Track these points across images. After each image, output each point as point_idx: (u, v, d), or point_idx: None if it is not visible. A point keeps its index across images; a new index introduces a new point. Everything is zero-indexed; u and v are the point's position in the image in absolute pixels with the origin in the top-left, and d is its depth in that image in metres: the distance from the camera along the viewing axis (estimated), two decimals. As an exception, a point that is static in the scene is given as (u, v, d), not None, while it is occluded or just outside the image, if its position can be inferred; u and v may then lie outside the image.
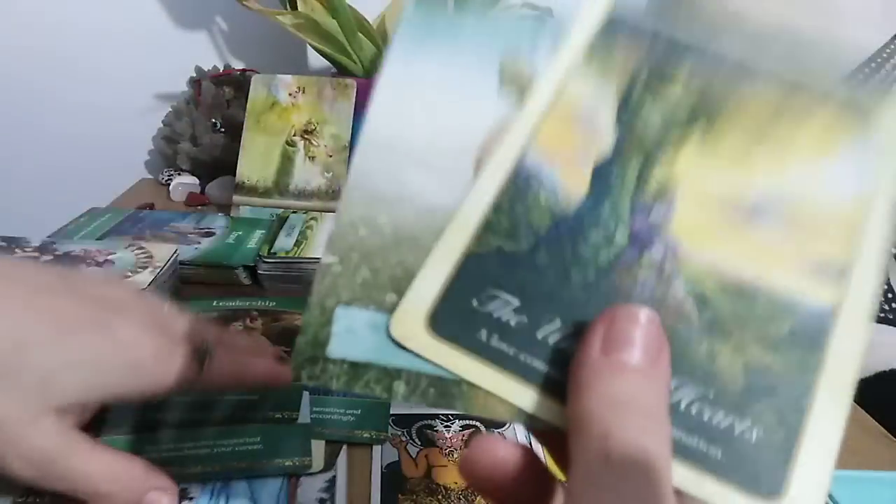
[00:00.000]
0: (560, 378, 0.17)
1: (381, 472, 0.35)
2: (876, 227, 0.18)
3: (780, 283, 0.18)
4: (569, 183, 0.19)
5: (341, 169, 0.73)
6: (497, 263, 0.18)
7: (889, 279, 0.82)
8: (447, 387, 0.17)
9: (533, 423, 0.17)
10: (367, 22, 0.70)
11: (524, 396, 0.17)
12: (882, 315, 0.80)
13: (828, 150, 0.19)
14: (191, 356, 0.30)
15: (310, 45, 0.70)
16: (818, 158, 0.19)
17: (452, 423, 0.39)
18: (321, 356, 0.18)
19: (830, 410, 0.17)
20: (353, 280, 0.18)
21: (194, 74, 0.84)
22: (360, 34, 0.69)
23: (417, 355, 0.17)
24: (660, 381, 0.16)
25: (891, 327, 0.74)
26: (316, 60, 0.87)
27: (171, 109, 0.86)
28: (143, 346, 0.28)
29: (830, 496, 0.29)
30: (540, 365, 0.17)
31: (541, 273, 0.18)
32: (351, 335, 0.18)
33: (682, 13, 0.21)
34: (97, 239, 0.59)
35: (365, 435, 0.38)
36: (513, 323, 0.18)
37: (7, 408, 0.25)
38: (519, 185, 0.19)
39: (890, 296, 0.82)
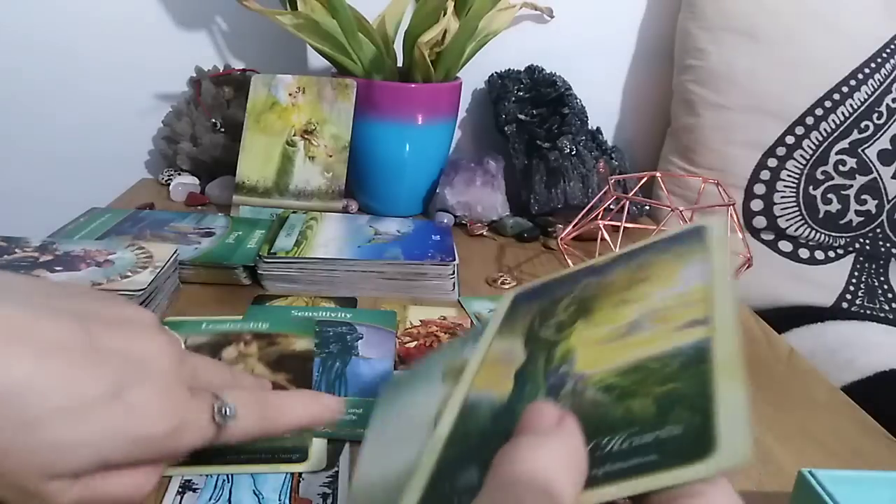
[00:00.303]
0: None
1: (381, 472, 0.35)
2: (721, 291, 0.24)
3: (662, 347, 0.23)
4: (500, 391, 0.27)
5: (341, 169, 0.73)
6: (461, 457, 0.24)
7: (889, 279, 0.82)
8: None
9: None
10: (367, 22, 0.70)
11: None
12: (882, 315, 0.81)
13: (673, 279, 0.26)
14: (209, 420, 0.29)
15: (310, 45, 0.70)
16: (667, 287, 0.26)
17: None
18: None
19: (730, 382, 0.20)
20: None
21: (194, 74, 0.84)
22: (360, 34, 0.69)
23: None
24: (565, 436, 0.20)
25: (891, 327, 0.74)
26: (316, 60, 0.87)
27: (171, 109, 0.86)
28: (156, 421, 0.27)
29: (830, 496, 0.29)
30: None
31: (490, 444, 0.23)
32: None
33: (550, 287, 0.32)
34: (97, 239, 0.59)
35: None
36: (476, 483, 0.22)
37: (13, 476, 0.24)
38: (466, 412, 0.27)
39: (890, 296, 0.82)
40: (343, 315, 0.51)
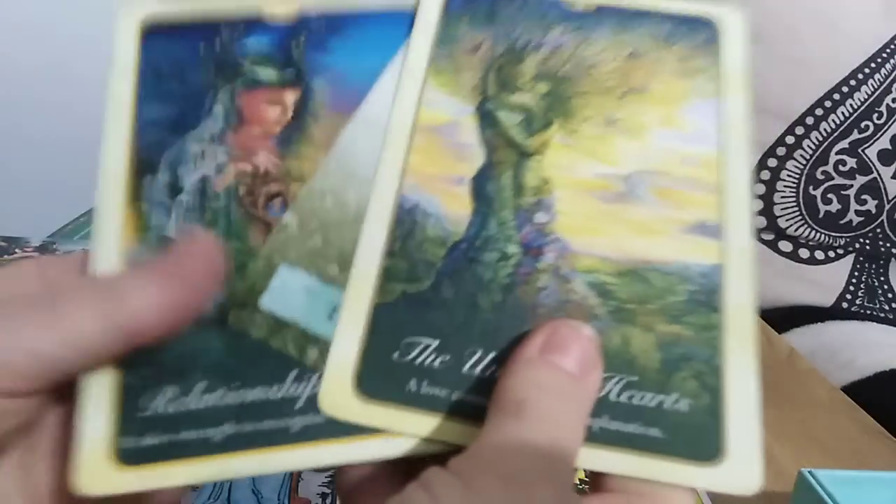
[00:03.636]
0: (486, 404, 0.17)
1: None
2: (735, 183, 0.19)
3: (666, 254, 0.19)
4: (451, 208, 0.20)
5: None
6: (406, 309, 0.19)
7: (889, 279, 0.82)
8: None
9: (447, 447, 0.18)
10: (367, 22, 0.69)
11: (454, 431, 0.18)
12: (882, 315, 0.81)
13: (676, 109, 0.20)
14: None
15: (310, 45, 0.70)
16: (668, 124, 0.20)
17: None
18: (252, 304, 0.19)
19: (742, 362, 0.17)
20: (304, 244, 0.19)
21: (194, 74, 0.84)
22: (360, 34, 0.68)
23: (351, 424, 0.18)
24: (586, 392, 0.17)
25: (891, 327, 0.74)
26: (316, 60, 0.87)
27: (171, 109, 0.86)
28: None
29: (830, 496, 0.29)
30: (470, 397, 0.18)
31: (450, 307, 0.19)
32: (285, 293, 0.19)
33: (507, 16, 0.22)
34: (97, 239, 0.59)
35: None
36: (437, 364, 0.18)
37: None
38: (405, 224, 0.20)
39: (890, 296, 0.82)
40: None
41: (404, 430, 0.18)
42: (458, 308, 0.19)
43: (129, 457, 0.17)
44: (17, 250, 0.51)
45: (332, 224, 0.19)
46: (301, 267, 0.19)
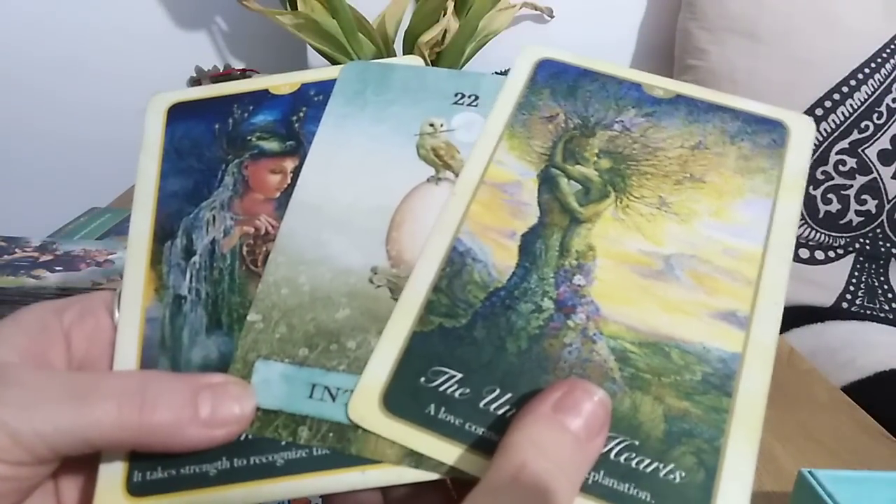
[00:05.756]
0: (498, 440, 0.18)
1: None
2: (772, 281, 0.20)
3: (690, 334, 0.20)
4: (499, 257, 0.22)
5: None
6: (440, 341, 0.20)
7: (889, 279, 0.82)
8: (344, 432, 0.19)
9: (452, 475, 0.19)
10: (367, 22, 0.70)
11: (460, 458, 0.19)
12: (882, 315, 0.81)
13: (730, 203, 0.22)
14: None
15: (310, 45, 0.70)
16: (715, 221, 0.22)
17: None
18: None
19: (743, 448, 0.18)
20: (272, 336, 0.21)
21: (194, 74, 0.84)
22: (360, 34, 0.69)
23: (373, 433, 0.19)
24: (587, 456, 0.18)
25: (891, 327, 0.74)
26: (316, 60, 0.87)
27: (171, 109, 0.86)
28: None
29: (830, 496, 0.29)
30: (482, 431, 0.19)
31: (479, 346, 0.20)
32: (266, 385, 0.20)
33: (587, 93, 0.24)
34: (97, 239, 0.59)
35: None
36: (457, 395, 0.20)
37: None
38: (455, 265, 0.21)
39: (890, 296, 0.82)
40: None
41: (417, 448, 0.19)
42: (487, 348, 0.20)
43: (138, 489, 0.19)
44: (16, 250, 0.51)
45: (292, 310, 0.21)
46: (274, 357, 0.21)
